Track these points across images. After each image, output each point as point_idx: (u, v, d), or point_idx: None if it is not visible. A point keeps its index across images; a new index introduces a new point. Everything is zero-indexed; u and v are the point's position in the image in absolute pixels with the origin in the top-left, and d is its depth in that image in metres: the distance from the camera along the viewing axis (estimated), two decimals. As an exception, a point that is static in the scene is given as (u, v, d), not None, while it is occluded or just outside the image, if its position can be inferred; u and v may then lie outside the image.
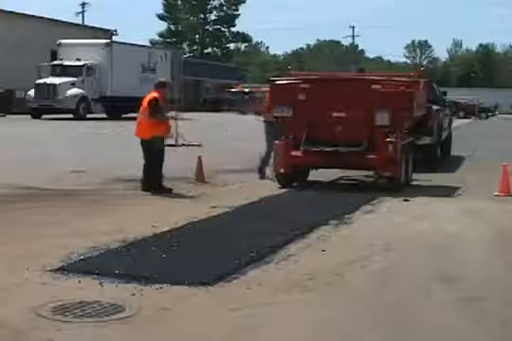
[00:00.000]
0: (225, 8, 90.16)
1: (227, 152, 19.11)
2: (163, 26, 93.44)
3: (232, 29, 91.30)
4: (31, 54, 41.95)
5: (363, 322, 5.22)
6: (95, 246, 7.23)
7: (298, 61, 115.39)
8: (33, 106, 36.37)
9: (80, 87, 36.85)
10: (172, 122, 13.43)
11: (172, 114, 13.90)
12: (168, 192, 11.26)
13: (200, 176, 13.04)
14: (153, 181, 11.36)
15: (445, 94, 21.11)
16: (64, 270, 6.30)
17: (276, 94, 13.08)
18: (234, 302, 5.51)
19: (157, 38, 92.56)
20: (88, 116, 36.70)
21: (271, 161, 13.19)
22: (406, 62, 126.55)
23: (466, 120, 53.05)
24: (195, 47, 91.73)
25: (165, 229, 8.23)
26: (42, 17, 49.30)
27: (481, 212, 10.38)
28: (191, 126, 25.10)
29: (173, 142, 13.57)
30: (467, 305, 5.69)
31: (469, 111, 62.47)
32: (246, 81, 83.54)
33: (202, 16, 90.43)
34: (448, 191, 12.58)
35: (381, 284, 6.29)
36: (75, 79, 36.82)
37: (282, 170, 12.51)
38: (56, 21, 50.77)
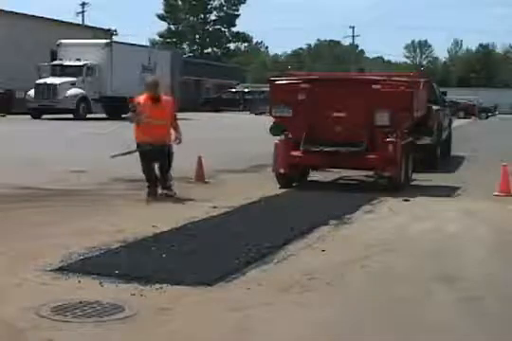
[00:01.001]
0: (225, 8, 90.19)
1: (227, 152, 19.12)
2: (163, 26, 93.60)
3: (232, 29, 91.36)
4: (31, 54, 41.99)
5: (363, 322, 5.22)
6: (95, 246, 7.23)
7: (298, 61, 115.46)
8: (33, 106, 36.42)
9: (80, 87, 36.89)
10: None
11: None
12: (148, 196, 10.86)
13: (200, 176, 13.04)
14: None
15: (445, 94, 21.11)
16: (64, 270, 6.30)
17: (276, 94, 13.08)
18: (234, 302, 5.51)
19: (157, 38, 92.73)
20: (88, 116, 36.73)
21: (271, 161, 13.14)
22: (406, 62, 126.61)
23: (466, 120, 53.05)
24: (195, 47, 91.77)
25: (165, 229, 8.23)
26: (42, 17, 49.40)
27: (481, 212, 10.38)
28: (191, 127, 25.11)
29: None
30: (467, 305, 5.69)
31: (469, 111, 62.39)
32: (246, 81, 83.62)
33: (202, 16, 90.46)
34: (448, 191, 12.58)
35: (381, 284, 6.29)
36: (75, 79, 36.87)
37: (281, 170, 12.50)
38: (56, 21, 50.88)
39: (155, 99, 10.81)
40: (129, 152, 11.31)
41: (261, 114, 45.81)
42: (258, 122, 28.37)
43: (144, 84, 11.23)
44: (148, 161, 10.93)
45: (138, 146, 10.95)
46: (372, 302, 5.70)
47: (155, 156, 10.89)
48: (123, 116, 35.27)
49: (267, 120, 14.12)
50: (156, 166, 11.08)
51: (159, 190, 11.00)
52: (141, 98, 10.90)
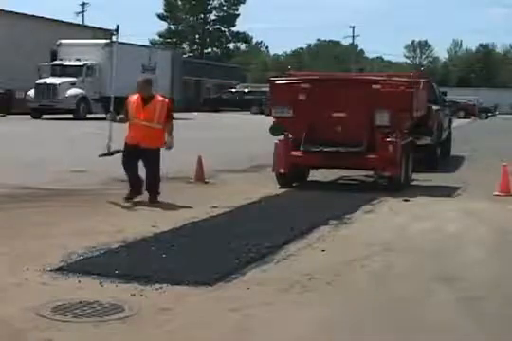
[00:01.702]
0: (225, 7, 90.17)
1: (227, 152, 19.12)
2: (163, 26, 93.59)
3: (232, 29, 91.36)
4: (31, 54, 42.02)
5: (363, 322, 5.22)
6: (95, 246, 7.23)
7: (298, 61, 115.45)
8: (33, 106, 36.43)
9: (80, 87, 36.90)
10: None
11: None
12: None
13: (200, 176, 13.04)
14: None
15: (445, 94, 21.12)
16: (63, 270, 6.30)
17: (276, 94, 13.08)
18: (234, 302, 5.51)
19: (157, 38, 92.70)
20: (88, 116, 36.72)
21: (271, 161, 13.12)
22: (406, 62, 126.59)
23: (466, 120, 53.05)
24: (195, 47, 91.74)
25: (165, 229, 8.23)
26: (42, 17, 49.41)
27: (481, 212, 10.38)
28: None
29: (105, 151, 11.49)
30: (467, 305, 5.69)
31: (469, 111, 62.41)
32: (246, 81, 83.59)
33: (202, 16, 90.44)
34: (448, 191, 12.58)
35: (381, 284, 6.29)
36: (75, 79, 36.89)
37: (281, 170, 12.50)
38: (56, 21, 50.89)
39: (146, 99, 10.37)
40: (117, 151, 11.02)
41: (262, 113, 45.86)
42: (258, 122, 28.38)
43: (136, 83, 10.62)
44: (130, 162, 10.45)
45: (126, 145, 10.60)
46: (372, 302, 5.70)
47: (141, 159, 10.46)
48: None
49: (267, 120, 14.12)
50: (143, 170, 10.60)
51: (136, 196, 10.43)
52: (133, 98, 10.53)
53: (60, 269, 6.34)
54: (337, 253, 7.39)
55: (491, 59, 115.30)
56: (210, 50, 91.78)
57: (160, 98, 10.52)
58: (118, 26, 14.16)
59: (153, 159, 10.47)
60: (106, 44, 39.48)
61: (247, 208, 10.17)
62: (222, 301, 5.55)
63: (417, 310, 5.54)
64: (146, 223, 8.57)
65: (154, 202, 10.35)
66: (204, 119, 40.33)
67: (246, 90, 61.63)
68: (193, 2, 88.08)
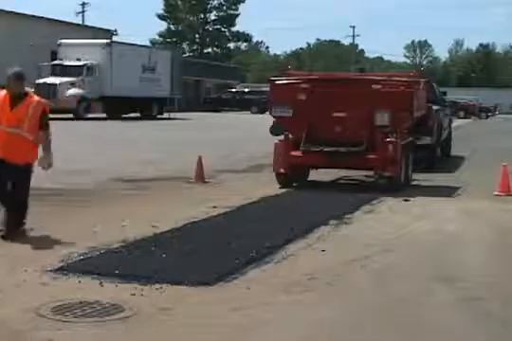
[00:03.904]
0: (225, 7, 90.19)
1: (227, 152, 19.13)
2: (163, 26, 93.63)
3: (232, 29, 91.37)
4: (31, 54, 42.01)
5: (363, 322, 5.22)
6: (95, 246, 7.23)
7: (298, 61, 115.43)
8: (33, 106, 36.45)
9: (80, 87, 36.91)
10: None
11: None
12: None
13: (200, 176, 13.04)
14: None
15: (445, 94, 21.13)
16: (64, 270, 6.30)
17: (276, 94, 13.08)
18: (234, 302, 5.51)
19: (157, 38, 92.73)
20: (88, 115, 36.74)
21: (270, 161, 13.11)
22: (406, 62, 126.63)
23: (466, 120, 53.06)
24: (195, 47, 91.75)
25: (165, 229, 8.23)
26: (42, 17, 49.40)
27: (481, 212, 10.38)
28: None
29: None
30: (467, 305, 5.69)
31: (469, 111, 62.45)
32: (246, 81, 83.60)
33: (202, 16, 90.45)
34: (448, 191, 12.58)
35: (381, 284, 6.29)
36: (75, 79, 36.90)
37: (281, 170, 12.50)
38: (56, 21, 50.89)
39: (16, 98, 7.74)
40: None
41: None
42: (258, 122, 28.39)
43: (6, 77, 7.88)
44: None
45: None
46: (372, 302, 5.70)
47: (7, 177, 7.72)
48: (123, 116, 35.37)
49: (267, 120, 14.11)
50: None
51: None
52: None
53: (60, 269, 6.33)
54: (337, 253, 7.39)
55: (491, 59, 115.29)
56: (209, 50, 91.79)
57: (35, 99, 7.90)
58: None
59: (20, 179, 7.80)
60: (106, 44, 39.52)
61: (247, 208, 10.16)
62: (222, 301, 5.55)
63: (417, 310, 5.54)
64: (146, 223, 8.57)
65: (11, 233, 7.58)
66: (204, 119, 40.30)
67: (246, 90, 61.64)
68: (193, 2, 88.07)
